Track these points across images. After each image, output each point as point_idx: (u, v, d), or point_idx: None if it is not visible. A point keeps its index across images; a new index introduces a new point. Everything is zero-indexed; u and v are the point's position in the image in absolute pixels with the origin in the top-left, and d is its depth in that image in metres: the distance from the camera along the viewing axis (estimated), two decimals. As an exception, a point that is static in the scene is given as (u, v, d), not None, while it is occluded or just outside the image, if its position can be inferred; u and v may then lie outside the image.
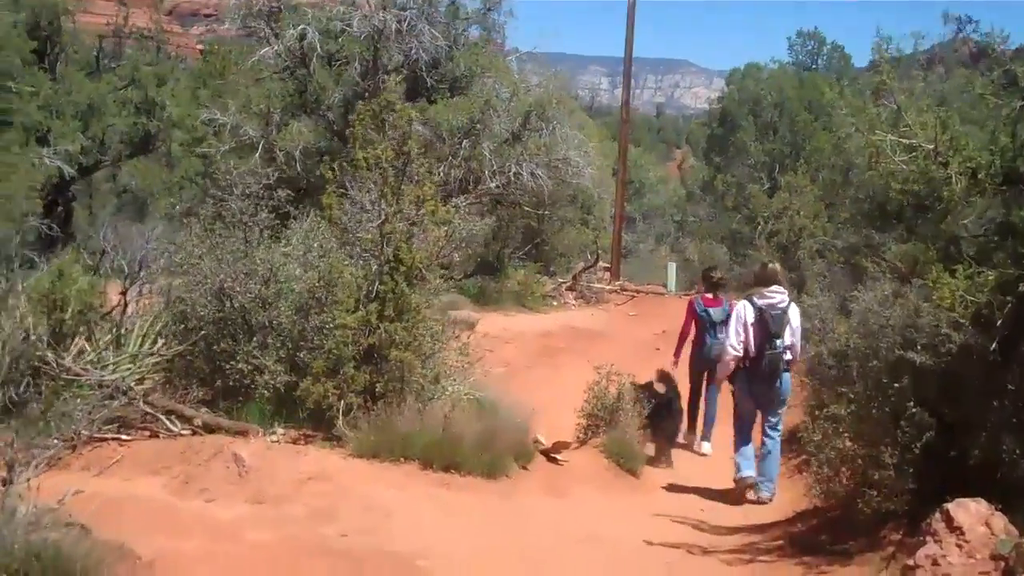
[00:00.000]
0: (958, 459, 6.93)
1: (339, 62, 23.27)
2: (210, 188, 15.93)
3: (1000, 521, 5.86)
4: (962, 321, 6.70)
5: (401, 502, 7.54)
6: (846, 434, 7.83)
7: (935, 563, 5.77)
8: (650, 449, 11.24)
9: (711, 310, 12.24)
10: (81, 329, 9.21)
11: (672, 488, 10.54)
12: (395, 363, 8.75)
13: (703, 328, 12.31)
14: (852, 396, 7.86)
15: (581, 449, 10.40)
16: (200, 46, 56.10)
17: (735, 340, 9.95)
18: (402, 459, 8.29)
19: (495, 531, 7.61)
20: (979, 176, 7.05)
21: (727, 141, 43.14)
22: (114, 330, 9.39)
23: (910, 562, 5.91)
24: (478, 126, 22.51)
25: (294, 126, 22.03)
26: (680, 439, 12.29)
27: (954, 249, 7.80)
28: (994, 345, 6.60)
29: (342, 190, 9.69)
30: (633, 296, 28.37)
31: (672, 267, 32.34)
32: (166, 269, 10.41)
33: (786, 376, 10.06)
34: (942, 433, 7.02)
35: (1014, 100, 7.05)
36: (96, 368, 8.72)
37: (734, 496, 10.18)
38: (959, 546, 5.79)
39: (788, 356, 10.00)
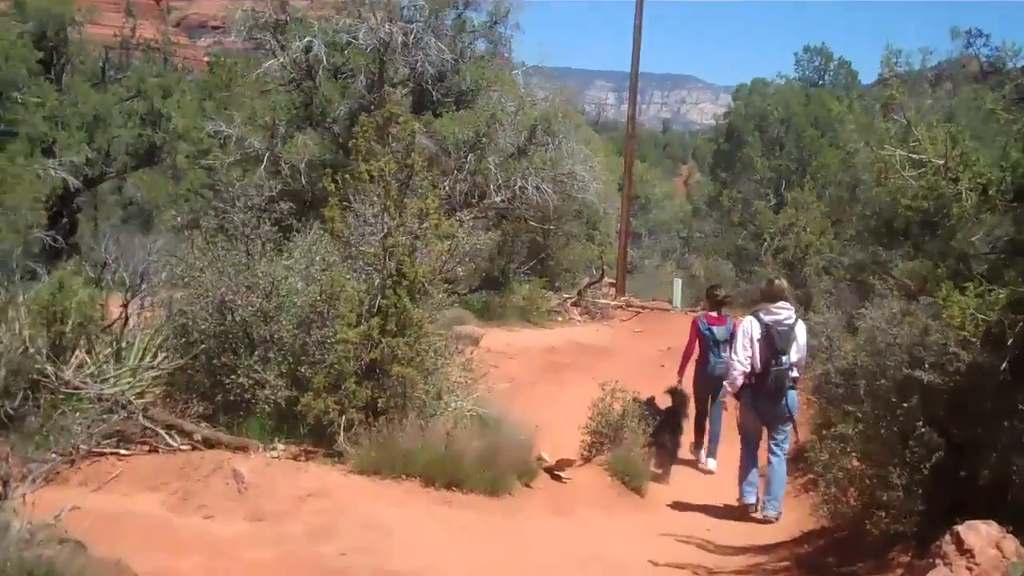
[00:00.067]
0: (968, 480, 6.84)
1: (345, 75, 23.28)
2: (213, 200, 15.92)
3: (1011, 544, 5.76)
4: (972, 340, 6.61)
5: (402, 520, 7.45)
6: (854, 454, 7.74)
7: (945, 586, 5.69)
8: (654, 465, 11.15)
9: (715, 329, 12.15)
10: (81, 342, 9.13)
11: (677, 506, 10.44)
12: (397, 378, 8.66)
13: (707, 347, 12.21)
14: (860, 415, 7.77)
15: (585, 467, 10.30)
16: (207, 58, 56.23)
17: (743, 356, 9.87)
18: (403, 476, 8.20)
19: (497, 550, 7.51)
20: (989, 192, 6.97)
21: (733, 157, 43.15)
22: (114, 343, 9.30)
23: (919, 585, 5.83)
24: (483, 140, 22.49)
25: (299, 139, 22.02)
26: (686, 455, 12.20)
27: (963, 267, 7.71)
28: (1004, 364, 6.50)
29: (345, 203, 9.61)
30: (638, 312, 28.27)
31: (678, 283, 32.27)
32: (168, 282, 10.34)
33: (792, 393, 9.98)
34: (951, 453, 6.94)
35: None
36: (96, 381, 8.64)
37: (739, 512, 10.10)
38: (969, 569, 5.71)
39: (794, 373, 9.92)
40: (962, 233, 7.85)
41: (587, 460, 10.46)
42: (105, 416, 8.22)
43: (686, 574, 7.73)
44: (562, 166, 23.70)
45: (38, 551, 5.06)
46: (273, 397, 8.75)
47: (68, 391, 8.40)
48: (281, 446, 8.47)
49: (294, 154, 21.50)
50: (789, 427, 10.09)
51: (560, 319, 25.72)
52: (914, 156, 7.40)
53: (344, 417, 8.46)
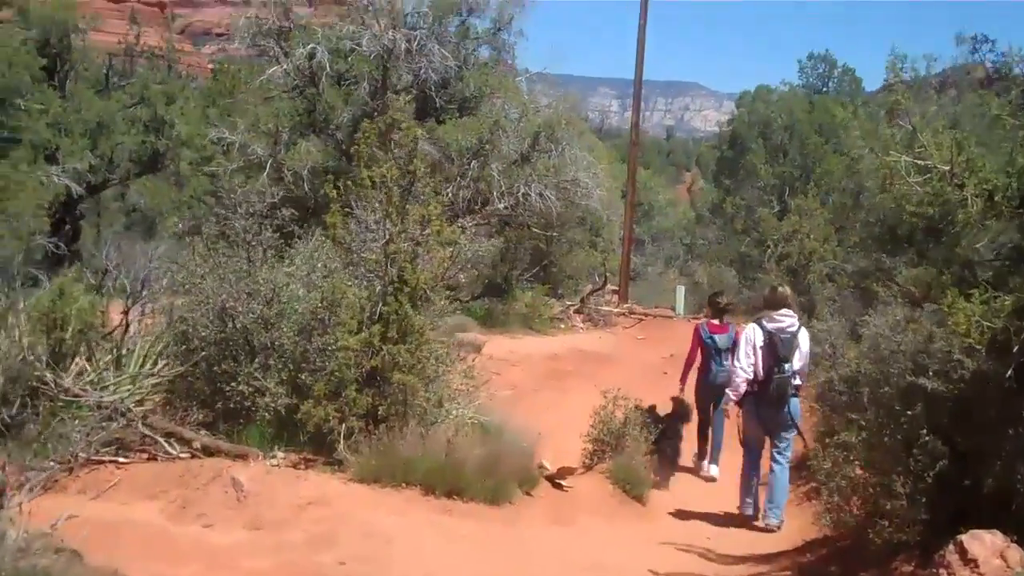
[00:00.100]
0: (972, 489, 6.79)
1: (348, 81, 23.28)
2: (215, 207, 15.90)
3: (1016, 554, 5.73)
4: (978, 347, 6.56)
5: (402, 529, 7.41)
6: (857, 462, 7.70)
7: (948, 596, 5.65)
8: (655, 473, 11.12)
9: (717, 337, 12.14)
10: (81, 349, 9.10)
11: (679, 514, 10.40)
12: (398, 386, 8.61)
13: (709, 355, 12.20)
14: (863, 423, 7.72)
15: (587, 475, 10.27)
16: (211, 65, 56.31)
17: (745, 363, 9.86)
18: (404, 484, 8.15)
19: (498, 559, 7.47)
20: (995, 199, 6.92)
21: (737, 164, 43.05)
22: (115, 350, 9.27)
23: (923, 595, 5.78)
24: (487, 147, 22.49)
25: (302, 145, 22.02)
26: (687, 463, 12.16)
27: (968, 273, 7.67)
28: (1010, 372, 6.46)
29: (347, 209, 9.58)
30: (641, 319, 28.27)
31: (681, 290, 32.22)
32: (169, 288, 10.31)
33: (794, 401, 9.95)
34: (955, 462, 6.88)
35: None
36: (95, 389, 8.60)
37: (741, 520, 10.07)
38: (973, 579, 5.67)
39: (797, 381, 9.89)
40: (967, 240, 7.82)
41: (589, 468, 10.43)
42: (104, 424, 8.18)
43: (687, 583, 7.70)
44: (565, 173, 23.69)
45: (34, 560, 5.02)
46: (273, 405, 8.69)
47: (67, 398, 8.36)
48: (281, 454, 8.43)
49: (297, 161, 21.50)
50: (792, 435, 10.07)
51: (563, 326, 25.71)
52: (919, 162, 7.36)
53: (344, 425, 8.41)
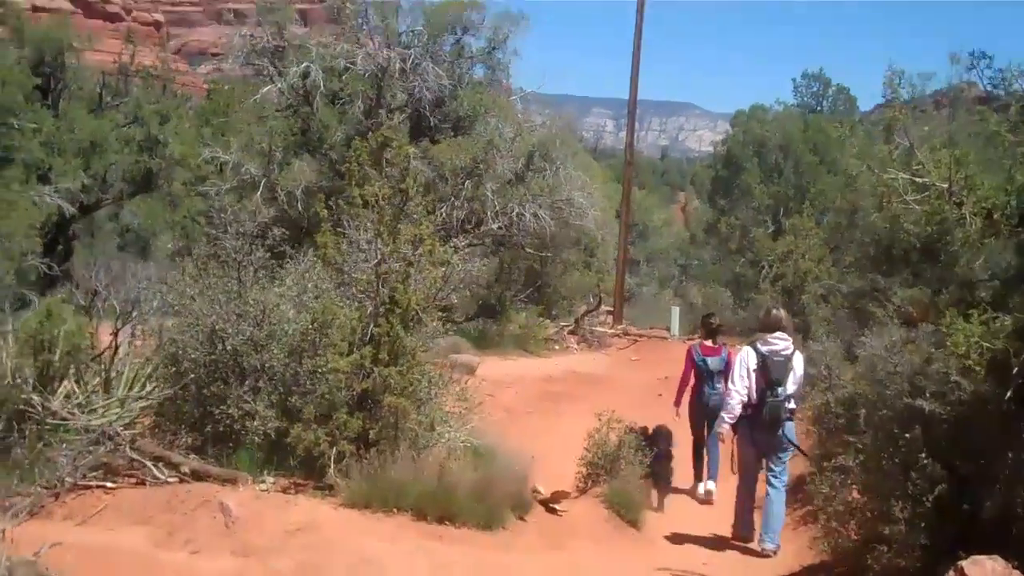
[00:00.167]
0: (972, 513, 6.71)
1: (342, 100, 23.27)
2: (206, 227, 15.83)
3: (1017, 580, 5.63)
4: (977, 368, 6.48)
5: (393, 555, 7.28)
6: (855, 486, 7.61)
7: (949, 623, 5.56)
8: (651, 496, 11.03)
9: (709, 359, 12.15)
10: (70, 371, 8.99)
11: (674, 539, 10.29)
12: (389, 409, 8.48)
13: (701, 377, 12.20)
14: (860, 446, 7.64)
15: (581, 499, 10.16)
16: (207, 85, 56.28)
17: (740, 386, 9.77)
18: (395, 509, 8.00)
19: (490, 586, 7.36)
20: (994, 217, 6.86)
21: (731, 184, 43.13)
22: (103, 372, 9.15)
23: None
24: (481, 166, 22.47)
25: (296, 164, 22.00)
26: (682, 484, 12.08)
27: (967, 293, 7.61)
28: (1009, 394, 6.37)
29: (339, 229, 9.49)
30: (636, 340, 28.25)
31: (676, 311, 32.24)
32: (159, 310, 10.20)
33: (789, 424, 9.85)
34: (955, 486, 6.81)
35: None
36: (83, 412, 8.48)
37: (736, 544, 10.00)
38: (974, 606, 5.58)
39: (791, 404, 9.80)
40: (965, 259, 7.75)
41: (583, 492, 10.32)
42: (92, 448, 8.05)
43: (683, 610, 7.59)
44: (560, 192, 23.69)
45: (15, 589, 4.92)
46: (263, 428, 8.56)
47: (54, 422, 8.24)
48: (271, 478, 8.30)
49: (290, 180, 21.47)
50: (787, 458, 9.98)
51: (557, 347, 25.71)
52: (917, 179, 7.30)
53: (335, 448, 8.28)
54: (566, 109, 29.88)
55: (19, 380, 8.28)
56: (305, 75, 22.69)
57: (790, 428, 9.86)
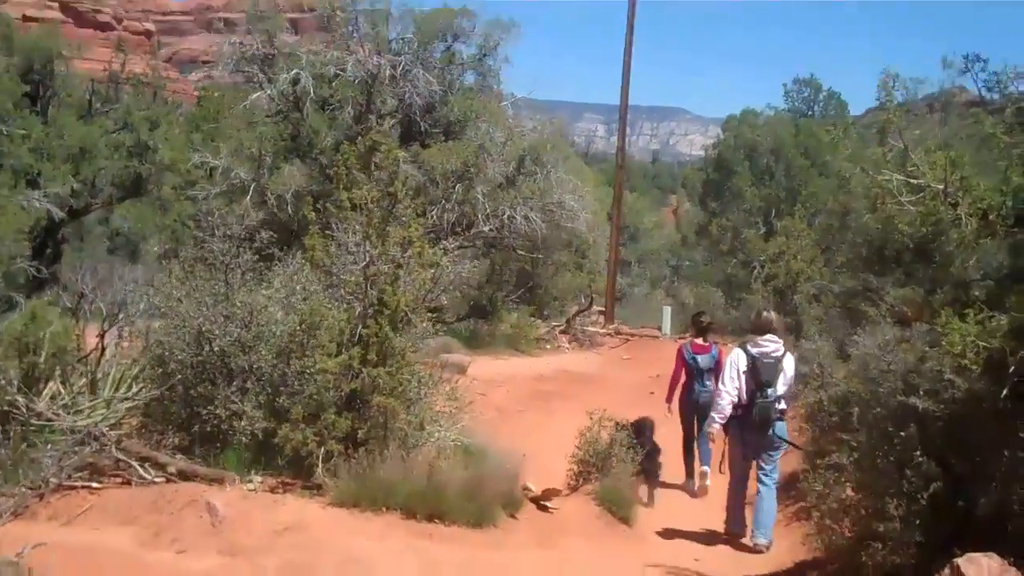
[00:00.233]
0: (967, 510, 6.65)
1: (332, 106, 23.25)
2: (194, 230, 15.80)
3: (1013, 577, 5.59)
4: (973, 368, 6.43)
5: (382, 554, 7.21)
6: (848, 483, 7.56)
7: (945, 621, 5.51)
8: (641, 491, 10.99)
9: (699, 357, 12.21)
10: (56, 373, 8.93)
11: (666, 534, 10.26)
12: (378, 409, 8.42)
13: (691, 375, 12.28)
14: (855, 444, 7.60)
15: (572, 496, 10.10)
16: (197, 92, 56.29)
17: (730, 387, 9.78)
18: (384, 509, 7.92)
19: (481, 585, 7.29)
20: (990, 218, 6.83)
21: (723, 186, 43.18)
22: (89, 374, 9.09)
23: (918, 619, 5.65)
24: (472, 170, 22.45)
25: (286, 169, 21.96)
26: (671, 479, 12.06)
27: (962, 293, 7.57)
28: (1005, 392, 6.33)
29: (328, 232, 9.43)
30: (627, 340, 28.31)
31: (667, 311, 32.28)
32: (146, 312, 10.13)
33: (780, 424, 9.83)
34: (950, 483, 6.76)
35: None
36: (69, 413, 8.42)
37: (729, 540, 10.01)
38: (969, 602, 5.53)
39: (781, 405, 9.79)
40: (960, 259, 7.72)
41: (574, 489, 10.28)
42: (77, 448, 7.99)
43: (675, 608, 7.54)
44: (550, 195, 23.69)
45: (-3, 589, 4.85)
46: (250, 428, 8.50)
47: (40, 423, 8.18)
48: (258, 478, 8.23)
49: (280, 184, 21.42)
50: (777, 456, 9.98)
51: (549, 347, 25.76)
52: (912, 181, 7.27)
53: (323, 448, 8.20)
54: (558, 114, 29.94)
55: (3, 381, 8.22)
56: (295, 81, 22.67)
57: (781, 427, 9.85)
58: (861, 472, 7.46)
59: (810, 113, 50.65)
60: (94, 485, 7.97)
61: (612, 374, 21.65)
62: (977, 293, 7.69)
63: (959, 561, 5.75)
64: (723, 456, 10.27)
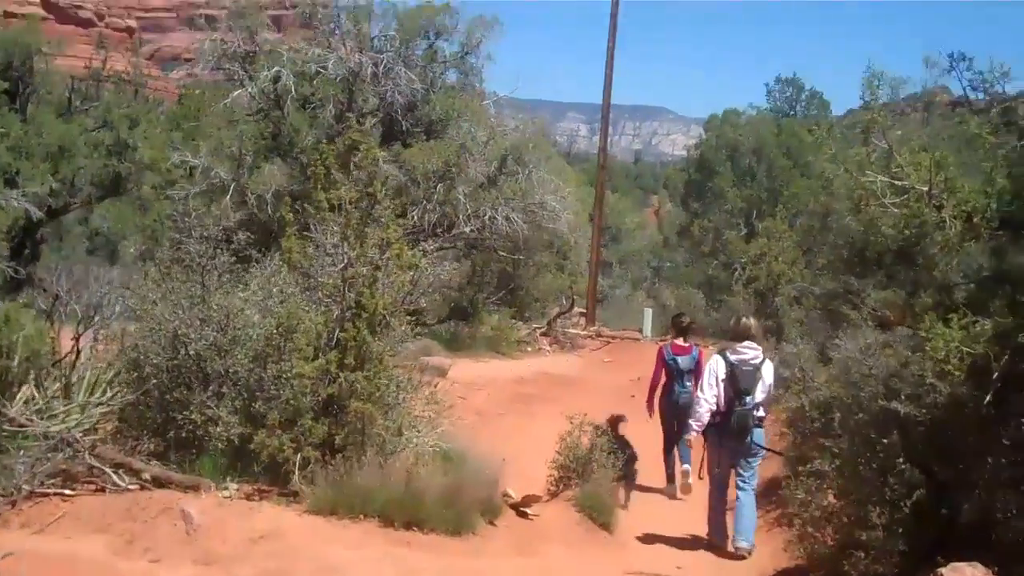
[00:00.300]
0: (950, 518, 6.61)
1: (313, 105, 23.12)
2: (170, 231, 15.67)
3: (997, 586, 5.54)
4: (956, 373, 6.38)
5: (359, 562, 7.13)
6: (831, 491, 7.51)
7: (928, 631, 5.47)
8: (619, 494, 10.94)
9: (679, 358, 12.17)
10: (29, 377, 8.78)
11: (646, 540, 10.18)
12: (355, 414, 8.32)
13: (672, 376, 12.23)
14: (837, 451, 7.55)
15: (552, 502, 10.01)
16: (179, 90, 56.03)
17: (709, 394, 9.72)
18: (361, 516, 7.85)
19: (459, 594, 7.21)
20: (974, 220, 6.77)
21: (704, 187, 43.16)
22: (64, 378, 8.95)
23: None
24: (453, 170, 22.36)
25: (266, 168, 21.81)
26: (651, 483, 12.01)
27: (944, 297, 7.52)
28: (988, 398, 6.27)
29: (306, 233, 9.33)
30: (608, 342, 28.29)
31: (648, 313, 32.24)
32: (121, 314, 10.01)
33: (758, 431, 9.78)
34: (933, 490, 6.71)
35: (1012, 139, 6.80)
36: (42, 418, 8.28)
37: (709, 545, 9.93)
38: (953, 612, 5.49)
39: (760, 412, 9.73)
40: (944, 262, 7.66)
41: (554, 495, 10.18)
42: (50, 454, 7.86)
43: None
44: (532, 196, 23.61)
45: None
46: (226, 434, 8.38)
47: (12, 428, 8.04)
48: (234, 485, 8.12)
49: (260, 184, 21.28)
50: (756, 463, 9.92)
51: (530, 349, 25.71)
52: (896, 182, 7.22)
53: (299, 455, 8.11)
54: (540, 113, 29.88)
55: (-26, 386, 8.09)
56: (276, 79, 22.52)
57: (759, 434, 9.80)
58: (843, 479, 7.42)
59: (792, 113, 50.74)
60: (67, 492, 7.87)
61: (593, 377, 21.61)
62: (959, 297, 7.63)
63: (943, 570, 5.72)
64: (702, 462, 10.22)
